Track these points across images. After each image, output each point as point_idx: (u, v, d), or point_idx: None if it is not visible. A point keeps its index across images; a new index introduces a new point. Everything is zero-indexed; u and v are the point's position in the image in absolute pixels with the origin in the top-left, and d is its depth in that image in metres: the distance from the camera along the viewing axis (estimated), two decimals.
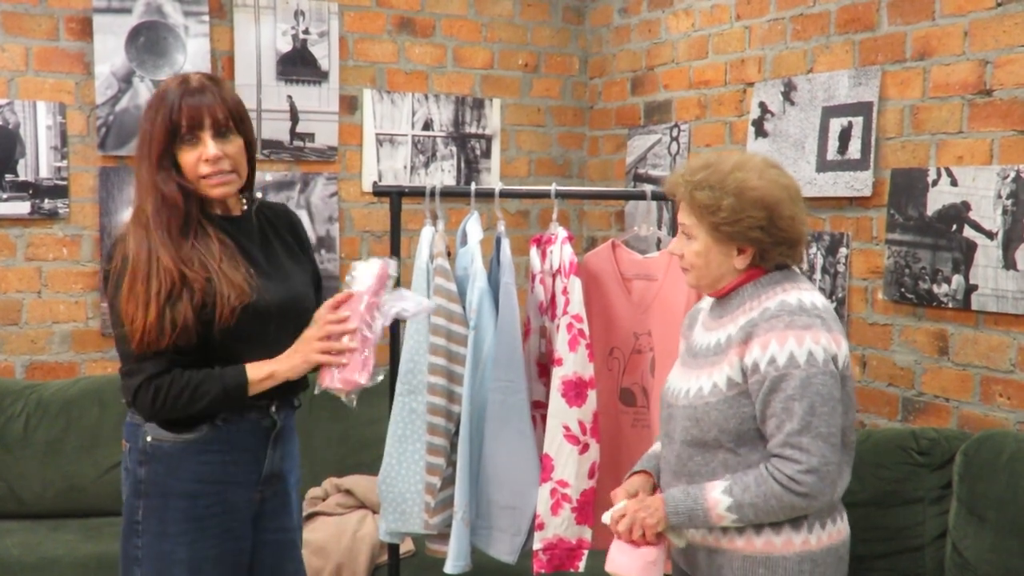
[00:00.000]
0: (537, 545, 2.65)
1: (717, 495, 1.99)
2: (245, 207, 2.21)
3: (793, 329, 1.96)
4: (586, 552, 2.68)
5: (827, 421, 1.94)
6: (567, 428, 2.62)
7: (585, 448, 2.64)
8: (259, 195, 2.37)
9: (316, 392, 2.12)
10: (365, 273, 2.15)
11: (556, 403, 2.64)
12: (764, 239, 2.03)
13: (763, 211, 2.01)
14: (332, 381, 2.09)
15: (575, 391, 2.63)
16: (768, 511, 1.97)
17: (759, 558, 2.02)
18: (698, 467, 2.07)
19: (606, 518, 2.11)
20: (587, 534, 2.67)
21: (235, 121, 2.08)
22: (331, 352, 2.06)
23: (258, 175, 2.32)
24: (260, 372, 2.07)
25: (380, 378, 2.13)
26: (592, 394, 2.64)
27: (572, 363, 2.63)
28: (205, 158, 2.03)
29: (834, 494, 2.02)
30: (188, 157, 2.04)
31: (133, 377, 2.04)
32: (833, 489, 1.99)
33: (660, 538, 2.06)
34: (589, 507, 2.66)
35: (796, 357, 1.94)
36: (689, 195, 2.06)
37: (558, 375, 2.64)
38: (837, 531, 2.07)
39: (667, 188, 2.18)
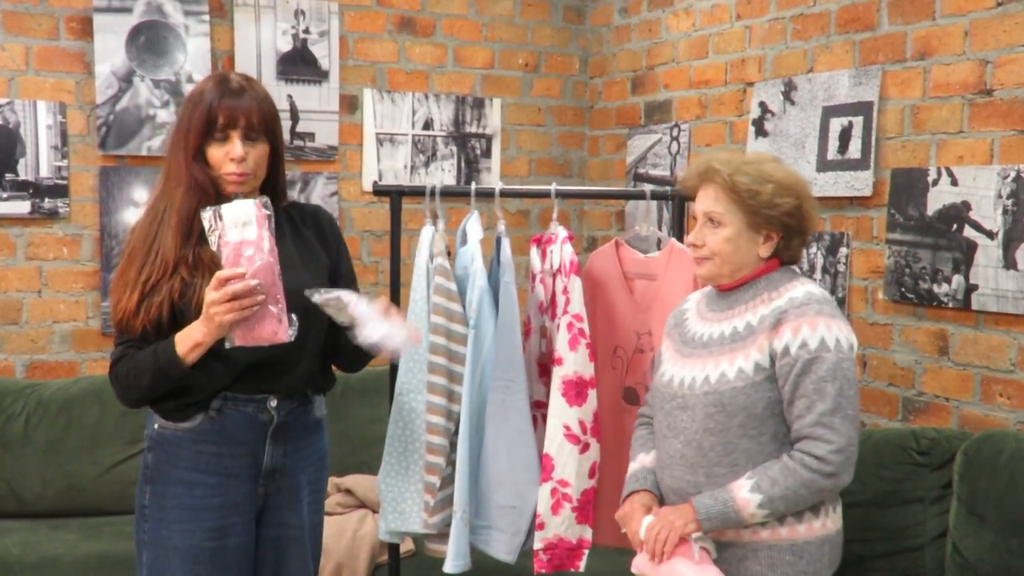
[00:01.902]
0: (538, 545, 2.65)
1: (746, 494, 2.05)
2: None
3: (822, 316, 2.07)
4: (586, 551, 2.68)
5: (853, 404, 2.06)
6: (567, 428, 2.62)
7: (585, 448, 2.63)
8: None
9: (227, 346, 2.03)
10: (238, 217, 2.02)
11: (556, 402, 2.63)
12: (792, 225, 2.16)
13: (795, 198, 2.15)
14: (246, 339, 2.02)
15: (575, 390, 2.63)
16: (798, 500, 2.05)
17: (785, 546, 2.10)
18: (719, 457, 2.12)
19: (643, 533, 2.14)
20: (587, 533, 2.67)
21: (266, 128, 2.18)
22: (236, 310, 1.98)
23: None
24: (187, 343, 2.05)
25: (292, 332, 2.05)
26: (592, 393, 2.64)
27: (572, 362, 2.63)
28: (232, 156, 2.14)
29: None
30: (216, 152, 2.14)
31: (111, 364, 2.17)
32: (852, 469, 2.08)
33: (685, 544, 2.08)
34: (589, 506, 2.66)
35: (827, 342, 2.05)
36: (729, 180, 2.14)
37: (558, 375, 2.64)
38: (839, 513, 2.19)
39: (688, 179, 2.24)
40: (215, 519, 2.15)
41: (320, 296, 2.11)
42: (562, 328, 2.65)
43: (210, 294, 1.99)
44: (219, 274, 1.99)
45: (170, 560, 2.14)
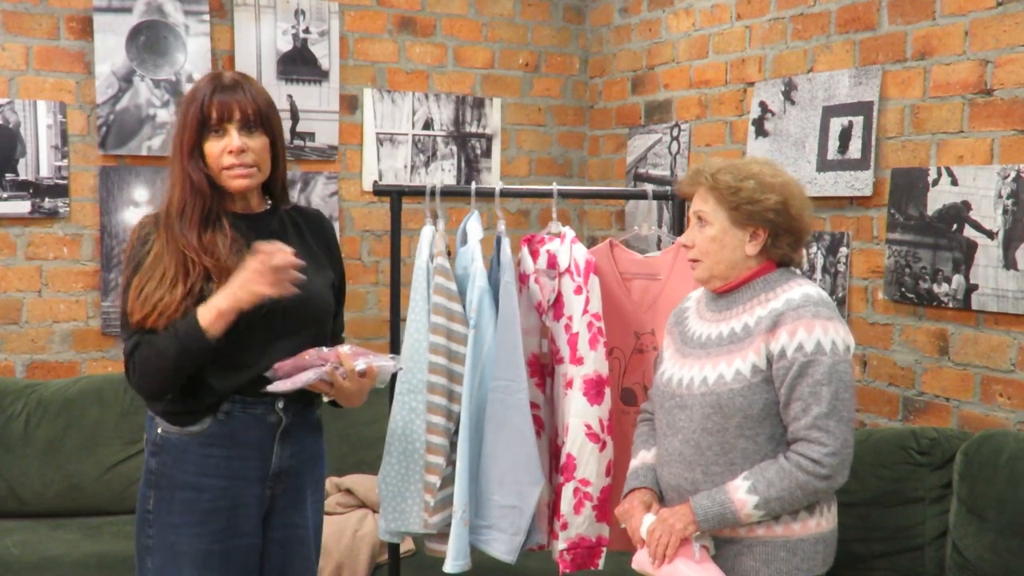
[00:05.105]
0: (562, 545, 2.66)
1: (743, 495, 2.07)
2: (268, 205, 2.26)
3: (819, 319, 2.08)
4: (605, 549, 2.69)
5: (848, 407, 2.07)
6: (588, 427, 2.63)
7: (604, 446, 2.65)
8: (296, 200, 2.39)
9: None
10: None
11: (578, 402, 2.64)
12: (777, 221, 2.16)
13: (779, 195, 2.15)
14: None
15: (595, 389, 2.64)
16: (793, 501, 2.07)
17: (779, 542, 2.12)
18: (716, 456, 2.13)
19: (643, 531, 2.16)
20: (606, 531, 2.68)
21: (262, 118, 2.16)
22: (275, 282, 2.04)
23: None
24: (210, 314, 2.04)
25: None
26: (608, 392, 2.66)
27: (593, 362, 2.64)
28: (229, 149, 2.11)
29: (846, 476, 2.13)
30: (214, 148, 2.12)
31: (126, 357, 2.12)
32: (848, 471, 2.09)
33: (686, 543, 2.10)
34: (607, 504, 2.67)
35: (823, 345, 2.05)
36: (711, 179, 2.18)
37: (579, 374, 2.64)
38: (834, 513, 2.20)
39: (682, 186, 2.30)
40: (223, 522, 2.14)
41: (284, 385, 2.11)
42: (582, 328, 2.65)
43: (252, 263, 2.02)
44: (262, 245, 2.03)
45: (179, 565, 2.13)
